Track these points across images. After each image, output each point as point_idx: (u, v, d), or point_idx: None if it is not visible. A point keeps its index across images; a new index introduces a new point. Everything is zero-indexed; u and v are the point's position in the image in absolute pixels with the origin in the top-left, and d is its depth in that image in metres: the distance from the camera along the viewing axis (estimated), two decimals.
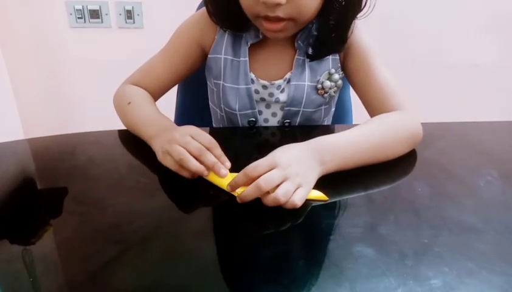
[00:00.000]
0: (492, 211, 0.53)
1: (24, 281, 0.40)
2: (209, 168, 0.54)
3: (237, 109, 0.77)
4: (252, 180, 0.50)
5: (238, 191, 0.52)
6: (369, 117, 0.72)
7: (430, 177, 0.62)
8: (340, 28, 0.71)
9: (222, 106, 0.79)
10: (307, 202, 0.52)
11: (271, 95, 0.77)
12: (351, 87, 1.00)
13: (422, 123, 0.68)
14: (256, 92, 0.77)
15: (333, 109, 0.87)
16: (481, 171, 0.63)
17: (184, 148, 0.54)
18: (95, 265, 0.41)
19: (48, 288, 0.39)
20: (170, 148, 0.55)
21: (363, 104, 0.76)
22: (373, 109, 0.73)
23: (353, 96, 1.02)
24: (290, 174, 0.51)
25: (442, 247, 0.45)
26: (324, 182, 0.55)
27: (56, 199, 0.55)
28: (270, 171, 0.50)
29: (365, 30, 0.76)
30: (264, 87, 0.77)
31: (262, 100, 0.78)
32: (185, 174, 0.55)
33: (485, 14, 1.65)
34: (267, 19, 0.64)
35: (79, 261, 0.42)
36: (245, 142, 0.76)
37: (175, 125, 0.65)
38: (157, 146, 0.60)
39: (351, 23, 0.71)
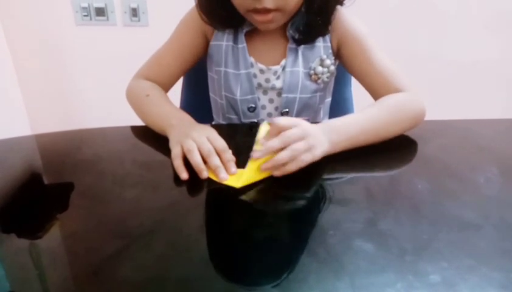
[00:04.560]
0: (492, 207, 0.53)
1: (31, 273, 0.41)
2: (212, 170, 0.58)
3: (238, 94, 0.79)
4: (278, 132, 0.58)
5: (241, 184, 0.55)
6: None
7: (430, 173, 0.62)
8: (325, 13, 0.74)
9: (223, 93, 0.81)
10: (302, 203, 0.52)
11: (267, 80, 0.79)
12: (352, 84, 1.01)
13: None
14: (254, 76, 0.80)
15: (329, 99, 0.89)
16: (482, 168, 0.63)
17: (197, 146, 0.59)
18: (99, 259, 0.42)
19: (54, 280, 0.40)
20: (184, 141, 0.60)
21: (366, 89, 0.78)
22: (377, 93, 0.75)
23: (355, 92, 1.02)
24: (308, 134, 0.57)
25: (441, 243, 0.45)
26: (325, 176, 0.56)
27: (62, 193, 0.56)
28: (292, 129, 0.57)
29: (356, 18, 0.79)
30: (262, 71, 0.79)
31: (259, 85, 0.80)
32: (177, 162, 0.58)
33: (487, 11, 1.64)
34: (257, 11, 0.68)
35: (85, 254, 0.43)
36: (245, 140, 0.76)
37: (193, 119, 0.69)
38: (173, 135, 0.64)
39: (334, 7, 0.75)
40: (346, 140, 0.62)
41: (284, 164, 0.56)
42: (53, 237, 0.47)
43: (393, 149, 0.67)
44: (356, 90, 1.01)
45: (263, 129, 0.61)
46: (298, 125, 0.58)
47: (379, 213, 0.51)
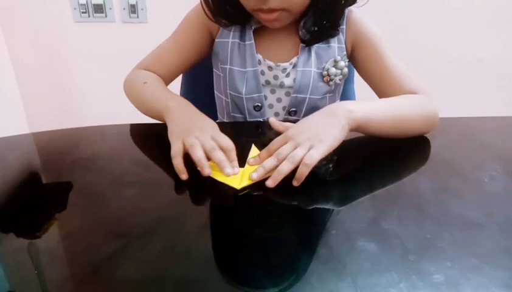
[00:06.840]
0: (495, 206, 0.53)
1: (30, 273, 0.40)
2: (216, 163, 0.56)
3: (244, 92, 0.77)
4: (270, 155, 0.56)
5: (242, 184, 0.54)
6: None
7: (433, 172, 0.62)
8: (332, 16, 0.74)
9: (228, 91, 0.80)
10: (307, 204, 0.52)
11: (276, 77, 0.78)
12: (355, 81, 1.00)
13: None
14: (262, 73, 0.78)
15: (338, 100, 0.88)
16: (486, 166, 0.63)
17: (200, 143, 0.57)
18: (98, 258, 0.42)
19: (53, 279, 0.40)
20: (186, 138, 0.58)
21: (377, 94, 0.77)
22: (389, 96, 0.73)
23: (357, 90, 1.02)
24: (301, 141, 0.56)
25: (445, 243, 0.45)
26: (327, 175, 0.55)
27: (60, 192, 0.55)
28: (282, 146, 0.56)
29: (369, 20, 0.78)
30: (270, 68, 0.78)
31: (267, 83, 0.79)
32: (177, 161, 0.57)
33: (490, 8, 1.63)
34: (262, 10, 0.68)
35: (83, 253, 0.43)
36: (249, 139, 0.76)
37: (191, 104, 0.68)
38: (173, 125, 0.63)
39: (342, 10, 0.74)
40: (365, 112, 0.61)
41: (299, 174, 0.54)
42: (51, 236, 0.46)
43: (395, 148, 0.66)
44: (358, 89, 1.01)
45: (252, 153, 0.62)
46: (289, 141, 0.57)
47: (382, 212, 0.50)
